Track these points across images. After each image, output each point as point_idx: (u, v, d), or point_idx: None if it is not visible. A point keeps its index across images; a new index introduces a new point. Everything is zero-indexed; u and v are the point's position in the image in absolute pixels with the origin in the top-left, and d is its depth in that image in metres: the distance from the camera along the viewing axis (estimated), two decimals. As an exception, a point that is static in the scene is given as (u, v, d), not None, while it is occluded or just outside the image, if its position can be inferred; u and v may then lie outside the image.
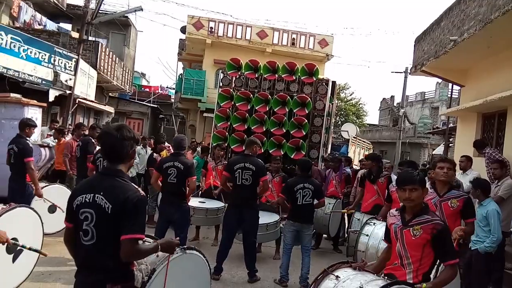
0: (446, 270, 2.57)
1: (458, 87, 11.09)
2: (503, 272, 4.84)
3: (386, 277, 2.63)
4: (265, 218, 5.85)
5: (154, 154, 7.94)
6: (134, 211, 2.05)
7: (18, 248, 3.58)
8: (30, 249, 3.31)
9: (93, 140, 6.65)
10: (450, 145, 13.82)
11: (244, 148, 5.38)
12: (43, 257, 4.12)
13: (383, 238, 3.10)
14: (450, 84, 12.54)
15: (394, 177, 7.48)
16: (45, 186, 5.80)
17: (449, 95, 16.51)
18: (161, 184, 5.15)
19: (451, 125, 13.98)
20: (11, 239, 3.43)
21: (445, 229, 2.60)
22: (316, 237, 7.32)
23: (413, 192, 2.63)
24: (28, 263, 3.84)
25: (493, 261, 4.34)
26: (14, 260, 3.58)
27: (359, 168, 8.94)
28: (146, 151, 9.09)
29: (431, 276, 2.70)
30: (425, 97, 34.61)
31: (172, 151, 5.61)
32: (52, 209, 5.34)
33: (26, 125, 5.29)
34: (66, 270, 4.61)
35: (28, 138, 5.26)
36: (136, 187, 2.19)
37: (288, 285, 5.06)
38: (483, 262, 4.25)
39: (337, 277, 2.65)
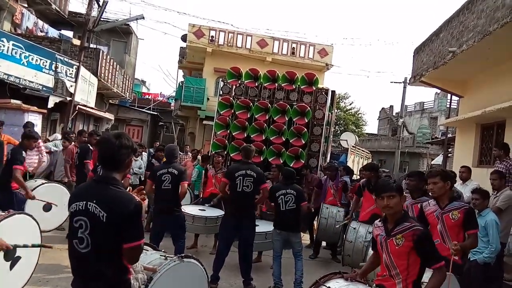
0: (434, 275, 2.56)
1: (457, 98, 11.15)
2: (502, 282, 4.83)
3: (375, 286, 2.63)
4: (265, 226, 5.86)
5: (153, 160, 7.97)
6: (133, 219, 2.05)
7: (16, 255, 3.57)
8: (33, 246, 3.27)
9: (91, 147, 6.66)
10: (449, 155, 13.84)
11: (243, 157, 5.36)
12: (40, 264, 4.11)
13: (371, 248, 3.10)
14: (449, 95, 12.61)
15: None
16: (42, 184, 5.81)
17: (448, 106, 16.58)
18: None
19: (450, 135, 14.01)
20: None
21: (425, 234, 2.60)
22: (315, 247, 7.31)
23: (391, 200, 2.64)
24: (26, 270, 3.82)
25: (491, 271, 4.33)
26: (11, 267, 3.57)
27: (359, 177, 8.93)
28: (142, 158, 9.19)
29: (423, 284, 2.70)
30: (424, 107, 34.76)
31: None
32: (47, 207, 5.34)
33: (25, 137, 5.26)
34: (64, 277, 4.58)
35: (24, 149, 5.19)
36: (131, 194, 2.19)
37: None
38: (481, 273, 4.24)
39: None
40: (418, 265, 2.58)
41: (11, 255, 3.49)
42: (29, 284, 4.00)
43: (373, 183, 6.13)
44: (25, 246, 3.11)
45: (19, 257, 3.61)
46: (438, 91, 26.03)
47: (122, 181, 2.23)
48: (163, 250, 2.91)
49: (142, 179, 9.02)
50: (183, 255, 2.80)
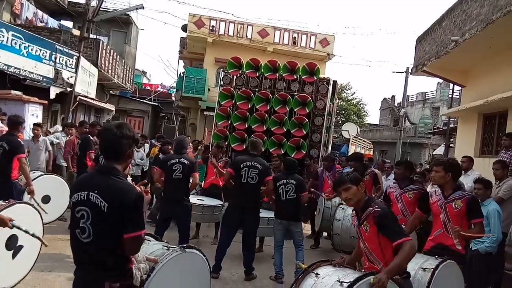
0: (400, 251, 2.58)
1: (459, 88, 11.10)
2: (503, 272, 4.85)
3: (363, 271, 2.71)
4: (267, 213, 5.91)
5: (160, 154, 7.96)
6: (134, 209, 2.05)
7: (18, 244, 3.59)
8: (33, 235, 3.27)
9: (91, 138, 6.65)
10: (451, 145, 13.82)
11: (250, 149, 5.40)
12: (43, 254, 4.13)
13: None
14: (451, 85, 12.55)
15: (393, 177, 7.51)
16: (40, 176, 5.81)
17: (450, 96, 16.52)
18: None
19: (451, 125, 13.98)
20: (12, 235, 3.44)
21: (383, 213, 2.69)
22: (315, 237, 7.33)
23: (347, 192, 2.79)
24: (28, 260, 3.84)
25: (492, 261, 4.34)
26: (14, 256, 3.58)
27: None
28: (145, 149, 9.20)
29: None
30: (426, 97, 34.58)
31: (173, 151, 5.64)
32: (46, 199, 5.33)
33: (18, 123, 5.11)
34: (66, 266, 4.59)
35: (18, 136, 5.08)
36: (131, 184, 2.19)
37: (284, 281, 5.08)
38: (483, 263, 4.24)
39: (316, 274, 2.73)
40: (390, 246, 2.66)
41: (13, 244, 3.51)
42: (32, 273, 4.02)
43: (359, 172, 6.20)
44: (26, 232, 3.10)
45: (21, 246, 3.62)
46: (440, 81, 25.94)
47: (124, 171, 2.23)
48: (165, 241, 2.91)
49: (145, 169, 9.03)
50: (185, 245, 2.81)
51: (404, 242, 2.58)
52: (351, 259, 3.02)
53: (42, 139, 7.45)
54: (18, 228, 2.90)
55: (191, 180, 5.10)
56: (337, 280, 2.54)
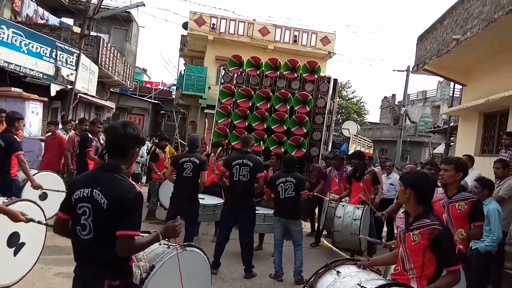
0: (446, 276, 2.52)
1: (460, 86, 11.08)
2: (502, 271, 4.84)
3: (389, 280, 2.60)
4: (264, 210, 5.97)
5: (157, 150, 7.97)
6: (130, 207, 2.04)
7: (20, 242, 3.59)
8: (46, 225, 3.29)
9: (91, 136, 6.64)
10: (451, 144, 13.81)
11: (242, 146, 5.46)
12: (42, 251, 4.13)
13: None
14: (452, 83, 12.53)
15: (396, 176, 7.51)
16: (36, 174, 5.79)
17: (451, 94, 16.50)
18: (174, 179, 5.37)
19: (452, 124, 13.97)
20: (13, 232, 3.44)
21: (444, 234, 2.53)
22: (316, 235, 7.34)
23: (400, 187, 2.78)
24: (30, 257, 3.84)
25: (492, 260, 4.34)
26: (15, 253, 3.59)
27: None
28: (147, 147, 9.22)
29: None
30: (427, 96, 34.56)
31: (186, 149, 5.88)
32: (43, 196, 5.33)
33: (15, 119, 5.03)
34: (66, 263, 4.60)
35: (15, 134, 5.02)
36: (133, 183, 2.19)
37: (284, 279, 5.12)
38: (482, 262, 4.24)
39: (338, 272, 2.66)
40: (433, 264, 2.53)
41: (14, 241, 3.51)
42: (31, 271, 4.02)
43: (359, 171, 6.24)
44: (39, 222, 3.10)
45: (23, 244, 3.62)
46: (441, 79, 25.91)
47: (128, 170, 2.24)
48: (166, 239, 2.91)
49: (144, 168, 9.02)
50: (185, 244, 2.81)
51: (457, 270, 2.52)
52: (379, 260, 2.96)
53: None
54: (32, 220, 2.88)
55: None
56: (358, 284, 2.43)
